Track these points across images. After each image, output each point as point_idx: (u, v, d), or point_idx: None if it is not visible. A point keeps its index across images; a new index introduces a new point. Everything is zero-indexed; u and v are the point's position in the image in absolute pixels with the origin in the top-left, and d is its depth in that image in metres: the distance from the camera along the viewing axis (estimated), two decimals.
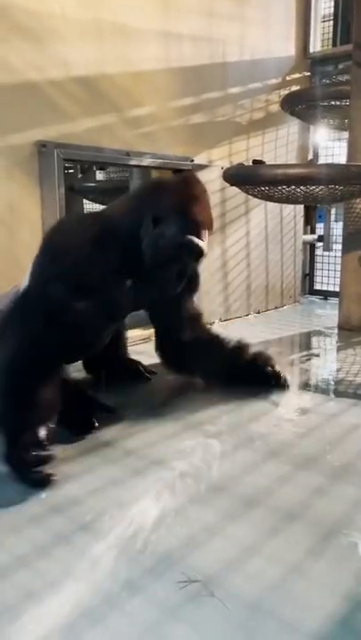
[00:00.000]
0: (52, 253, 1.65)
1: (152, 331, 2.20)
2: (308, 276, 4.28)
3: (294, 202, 2.85)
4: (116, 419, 1.81)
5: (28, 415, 1.45)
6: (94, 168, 4.41)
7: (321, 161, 4.02)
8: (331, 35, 3.91)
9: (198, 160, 3.09)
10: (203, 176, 3.05)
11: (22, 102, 2.34)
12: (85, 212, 4.45)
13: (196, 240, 1.65)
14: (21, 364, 1.50)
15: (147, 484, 1.39)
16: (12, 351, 1.51)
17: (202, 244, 1.67)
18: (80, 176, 4.49)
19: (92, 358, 2.09)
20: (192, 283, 1.93)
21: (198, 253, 1.68)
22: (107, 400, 1.89)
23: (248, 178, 2.64)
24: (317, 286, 4.27)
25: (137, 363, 2.25)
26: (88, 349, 1.79)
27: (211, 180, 3.05)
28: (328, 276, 4.17)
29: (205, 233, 1.70)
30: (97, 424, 1.71)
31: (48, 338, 1.52)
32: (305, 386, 2.17)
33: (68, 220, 1.81)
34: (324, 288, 4.21)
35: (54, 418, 1.52)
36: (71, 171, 4.31)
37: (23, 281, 1.69)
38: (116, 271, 1.63)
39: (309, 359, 2.60)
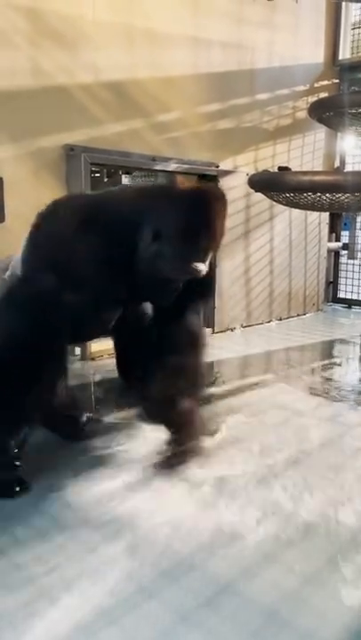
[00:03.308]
0: (39, 241, 1.58)
1: None
2: (332, 283, 4.24)
3: (320, 209, 2.83)
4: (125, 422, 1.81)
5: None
6: (120, 172, 4.44)
7: (348, 168, 3.99)
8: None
9: (224, 166, 3.09)
10: (228, 182, 3.07)
11: (52, 106, 2.38)
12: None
13: (194, 266, 1.50)
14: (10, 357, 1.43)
15: (164, 489, 1.38)
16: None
17: (201, 267, 1.52)
18: (106, 180, 4.53)
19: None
20: (204, 289, 1.78)
21: (195, 276, 1.54)
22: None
23: (273, 184, 2.63)
24: (341, 294, 4.22)
25: None
26: (81, 339, 1.71)
27: (236, 186, 3.05)
28: (352, 285, 4.13)
29: (209, 255, 1.55)
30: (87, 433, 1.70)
31: (40, 328, 1.44)
32: (326, 395, 2.15)
33: (62, 205, 1.62)
34: (349, 296, 4.16)
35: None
36: (97, 175, 4.34)
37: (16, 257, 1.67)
38: (104, 262, 1.49)
39: (331, 368, 2.57)
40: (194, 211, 1.50)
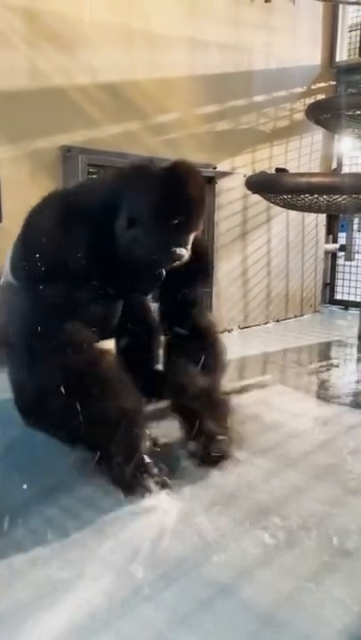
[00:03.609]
0: (24, 239, 1.54)
1: None
2: (329, 285, 4.24)
3: (317, 211, 2.83)
4: None
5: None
6: None
7: (345, 170, 4.00)
8: (358, 44, 3.90)
9: (221, 167, 3.10)
10: (225, 183, 3.07)
11: (49, 107, 2.37)
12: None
13: (174, 250, 1.42)
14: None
15: (161, 490, 1.38)
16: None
17: (182, 251, 1.44)
18: None
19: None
20: (200, 275, 1.72)
21: (176, 261, 1.47)
22: None
23: (271, 186, 2.64)
24: (338, 296, 4.23)
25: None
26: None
27: (233, 187, 3.06)
28: (349, 286, 4.14)
29: (190, 236, 1.46)
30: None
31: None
32: (323, 396, 2.15)
33: (44, 202, 1.57)
34: (346, 298, 4.17)
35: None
36: (95, 176, 4.34)
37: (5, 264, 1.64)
38: (88, 254, 1.42)
39: (329, 369, 2.57)
40: (166, 188, 1.38)
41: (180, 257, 1.45)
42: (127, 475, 1.31)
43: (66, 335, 1.37)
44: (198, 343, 1.69)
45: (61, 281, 1.39)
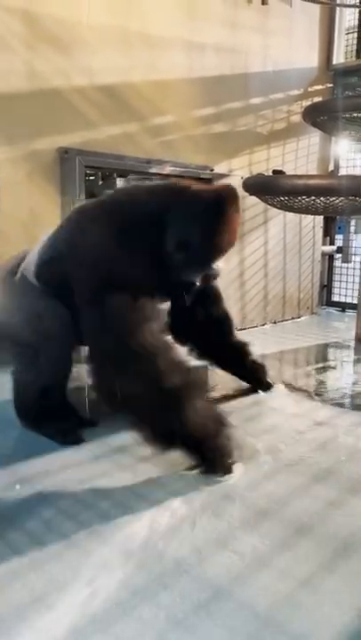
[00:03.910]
0: (85, 253, 1.58)
1: None
2: (326, 287, 4.25)
3: (314, 213, 2.84)
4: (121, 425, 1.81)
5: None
6: (115, 175, 4.44)
7: (342, 172, 4.01)
8: (354, 46, 3.91)
9: (218, 169, 3.10)
10: None
11: (47, 109, 2.38)
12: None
13: (217, 267, 1.64)
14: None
15: (158, 492, 1.38)
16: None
17: (222, 266, 1.66)
18: (101, 183, 4.53)
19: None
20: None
21: (217, 276, 1.72)
22: None
23: (268, 188, 2.64)
24: (335, 298, 4.24)
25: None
26: None
27: None
28: (346, 288, 4.14)
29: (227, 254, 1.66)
30: (84, 438, 1.69)
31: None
32: (321, 398, 2.16)
33: (92, 218, 1.64)
34: (342, 300, 4.18)
35: None
36: (92, 177, 4.34)
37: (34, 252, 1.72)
38: (144, 269, 1.56)
39: (326, 371, 2.58)
40: (218, 211, 1.54)
41: (219, 272, 1.67)
42: (224, 458, 1.47)
43: (154, 341, 1.46)
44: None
45: (130, 290, 1.50)
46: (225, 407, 1.97)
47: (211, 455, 1.46)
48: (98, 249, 1.55)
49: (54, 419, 1.72)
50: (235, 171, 3.21)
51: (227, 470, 1.46)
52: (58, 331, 1.64)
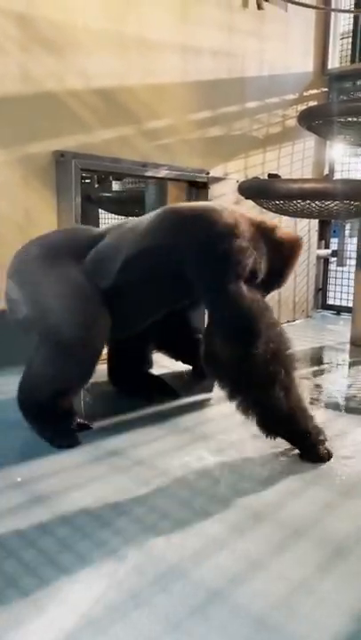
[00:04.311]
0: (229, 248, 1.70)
1: None
2: (321, 290, 4.26)
3: (309, 216, 2.85)
4: (119, 428, 1.81)
5: None
6: (111, 178, 4.44)
7: (337, 176, 4.02)
8: (349, 52, 3.94)
9: (214, 173, 3.11)
10: (218, 189, 3.08)
11: (42, 112, 2.37)
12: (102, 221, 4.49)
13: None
14: None
15: (154, 495, 1.38)
16: None
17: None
18: (96, 186, 4.53)
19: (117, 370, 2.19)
20: None
21: None
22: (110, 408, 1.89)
23: (263, 191, 2.64)
24: (330, 301, 4.25)
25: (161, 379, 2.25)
26: None
27: (226, 192, 3.07)
28: (341, 292, 4.15)
29: None
30: (80, 441, 1.69)
31: None
32: (316, 401, 2.16)
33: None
34: (337, 303, 4.19)
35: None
36: (88, 180, 4.35)
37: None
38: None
39: (321, 374, 2.58)
40: (289, 262, 1.94)
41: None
42: (322, 447, 1.62)
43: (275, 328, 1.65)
44: None
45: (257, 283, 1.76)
46: (221, 410, 1.97)
47: (310, 443, 1.60)
48: (234, 242, 1.67)
49: (53, 419, 1.71)
50: (230, 174, 3.22)
51: (324, 458, 1.59)
52: (98, 338, 1.71)
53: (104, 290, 1.74)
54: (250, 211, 2.10)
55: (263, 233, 1.80)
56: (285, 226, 3.53)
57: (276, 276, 1.90)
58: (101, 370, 2.10)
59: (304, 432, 1.61)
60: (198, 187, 3.07)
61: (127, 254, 1.75)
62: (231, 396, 1.61)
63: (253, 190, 2.68)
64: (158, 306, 1.93)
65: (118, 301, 1.75)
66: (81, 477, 1.47)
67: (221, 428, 1.84)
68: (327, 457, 1.60)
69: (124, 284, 1.75)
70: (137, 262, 1.74)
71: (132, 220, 1.92)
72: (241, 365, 1.56)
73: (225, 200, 3.13)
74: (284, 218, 3.38)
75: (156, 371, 2.28)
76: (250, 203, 2.89)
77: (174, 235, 1.74)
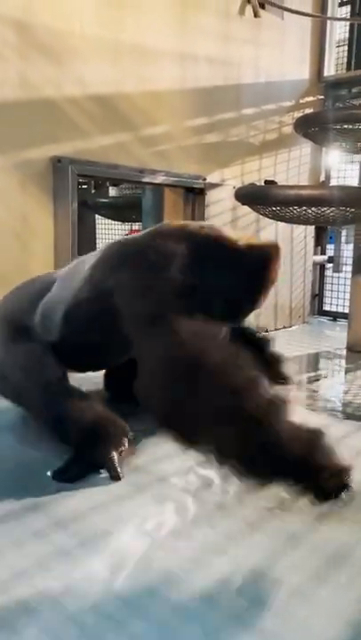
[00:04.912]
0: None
1: None
2: (318, 296, 4.27)
3: (305, 222, 2.86)
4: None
5: None
6: (107, 184, 4.46)
7: (333, 183, 4.04)
8: (345, 59, 3.96)
9: (211, 179, 3.12)
10: (215, 195, 3.10)
11: (39, 118, 2.38)
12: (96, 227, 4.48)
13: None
14: None
15: (150, 502, 1.37)
16: None
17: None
18: (93, 191, 4.54)
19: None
20: None
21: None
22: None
23: (260, 198, 2.65)
24: (327, 307, 4.26)
25: None
26: None
27: (222, 198, 3.08)
28: (338, 297, 4.17)
29: None
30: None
31: None
32: (313, 407, 2.16)
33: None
34: (334, 309, 4.20)
35: None
36: (85, 186, 4.36)
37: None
38: None
39: (317, 380, 2.58)
40: (260, 277, 1.72)
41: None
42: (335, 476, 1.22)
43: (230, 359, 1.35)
44: None
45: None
46: None
47: (319, 475, 1.21)
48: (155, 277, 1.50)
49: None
50: (227, 180, 3.23)
51: (342, 488, 1.21)
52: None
53: (54, 344, 1.68)
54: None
55: (217, 249, 1.60)
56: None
57: (246, 294, 1.69)
58: (96, 376, 2.10)
59: (308, 465, 1.22)
60: (195, 193, 3.08)
61: (66, 306, 1.67)
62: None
63: (250, 196, 2.69)
64: (113, 356, 1.81)
65: (70, 352, 1.69)
66: (73, 486, 1.46)
67: None
68: (342, 489, 1.21)
69: (69, 337, 1.68)
70: (77, 313, 1.65)
71: (87, 258, 1.76)
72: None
73: (221, 206, 3.14)
74: (281, 224, 3.40)
75: None
76: (246, 209, 2.91)
77: (107, 278, 1.57)
